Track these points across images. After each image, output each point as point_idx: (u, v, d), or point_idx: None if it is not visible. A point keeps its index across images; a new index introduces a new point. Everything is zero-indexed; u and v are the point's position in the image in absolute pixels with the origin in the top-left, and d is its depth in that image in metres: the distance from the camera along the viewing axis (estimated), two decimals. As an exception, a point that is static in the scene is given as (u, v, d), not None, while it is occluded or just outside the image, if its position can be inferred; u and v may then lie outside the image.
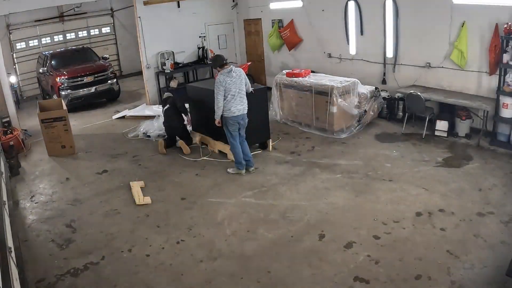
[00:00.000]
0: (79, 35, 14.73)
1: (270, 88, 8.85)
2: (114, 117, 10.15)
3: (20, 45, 13.48)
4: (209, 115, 7.09)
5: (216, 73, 6.40)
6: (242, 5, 11.76)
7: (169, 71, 10.58)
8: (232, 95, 5.85)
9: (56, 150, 7.74)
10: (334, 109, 7.36)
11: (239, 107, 5.95)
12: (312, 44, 9.98)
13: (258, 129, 6.85)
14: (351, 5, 8.65)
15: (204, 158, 7.01)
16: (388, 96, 8.19)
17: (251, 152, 6.76)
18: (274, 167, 6.47)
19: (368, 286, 3.75)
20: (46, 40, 13.99)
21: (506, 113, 6.38)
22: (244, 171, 6.27)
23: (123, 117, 10.05)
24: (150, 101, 10.94)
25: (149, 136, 8.26)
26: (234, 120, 5.97)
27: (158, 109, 9.71)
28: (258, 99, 6.68)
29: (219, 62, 5.93)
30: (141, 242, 4.71)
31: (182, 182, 6.21)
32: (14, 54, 13.33)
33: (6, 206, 4.87)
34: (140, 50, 10.68)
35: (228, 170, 6.40)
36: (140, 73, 12.04)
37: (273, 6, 10.61)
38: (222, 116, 6.00)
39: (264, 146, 7.10)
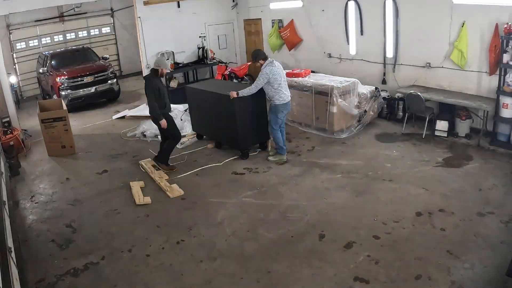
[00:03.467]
0: (79, 35, 14.74)
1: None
2: (114, 117, 10.15)
3: (20, 45, 13.49)
4: (210, 117, 7.09)
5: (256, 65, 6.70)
6: (242, 5, 11.76)
7: (169, 71, 10.57)
8: (279, 83, 6.26)
9: (56, 150, 7.74)
10: (334, 109, 7.36)
11: (287, 93, 6.43)
12: (312, 44, 9.98)
13: (258, 130, 6.85)
14: (351, 5, 8.65)
15: (212, 164, 7.01)
16: (388, 96, 8.19)
17: (252, 153, 6.97)
18: (274, 167, 6.47)
19: (368, 286, 3.75)
20: (46, 40, 14.00)
21: (506, 113, 6.38)
22: (285, 156, 6.58)
23: (123, 117, 10.05)
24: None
25: (145, 136, 8.26)
26: (285, 107, 6.40)
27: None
28: (257, 99, 6.70)
29: (262, 56, 6.37)
30: (141, 242, 4.71)
31: (182, 182, 6.20)
32: (14, 54, 13.34)
33: (6, 206, 4.87)
34: (140, 50, 10.68)
35: (269, 158, 6.68)
36: (140, 73, 12.06)
37: (273, 6, 10.61)
38: (272, 104, 6.42)
39: (264, 147, 7.11)
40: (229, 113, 6.60)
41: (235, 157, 6.86)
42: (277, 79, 6.20)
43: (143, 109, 10.31)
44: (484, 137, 6.74)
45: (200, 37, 11.20)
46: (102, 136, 8.86)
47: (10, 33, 13.13)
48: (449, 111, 7.15)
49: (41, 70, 11.63)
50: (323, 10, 9.45)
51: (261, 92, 6.64)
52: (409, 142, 7.05)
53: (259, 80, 6.21)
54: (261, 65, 6.30)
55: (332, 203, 5.24)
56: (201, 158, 7.04)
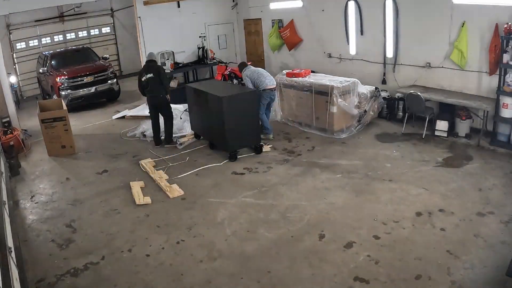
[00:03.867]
0: (79, 35, 14.75)
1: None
2: (114, 117, 10.15)
3: (20, 45, 13.49)
4: (209, 119, 7.04)
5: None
6: (242, 5, 11.77)
7: (169, 71, 10.59)
8: (260, 74, 7.41)
9: (56, 150, 7.74)
10: (334, 109, 7.36)
11: (269, 80, 7.41)
12: (312, 44, 9.98)
13: (248, 133, 6.81)
14: (351, 5, 8.66)
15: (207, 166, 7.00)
16: (388, 96, 8.19)
17: (246, 154, 7.01)
18: (274, 167, 6.47)
19: (368, 286, 3.75)
20: (46, 40, 14.01)
21: (506, 113, 6.38)
22: (272, 135, 7.57)
23: (123, 117, 10.05)
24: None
25: (145, 136, 8.26)
26: (267, 94, 7.41)
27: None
28: (249, 102, 6.68)
29: (242, 67, 7.77)
30: (141, 242, 4.71)
31: (182, 182, 6.20)
32: (14, 54, 13.34)
33: (6, 206, 4.87)
34: (140, 50, 10.68)
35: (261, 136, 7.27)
36: (140, 73, 12.04)
37: (273, 6, 10.62)
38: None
39: (258, 150, 7.03)
40: (219, 113, 6.53)
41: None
42: (253, 75, 7.39)
43: (143, 109, 10.31)
44: (484, 137, 6.74)
45: (200, 37, 11.21)
46: (102, 136, 8.86)
47: (10, 33, 13.13)
48: (449, 111, 7.15)
49: (41, 70, 11.63)
50: (323, 10, 9.45)
51: (253, 95, 6.86)
52: (409, 142, 7.05)
53: (247, 85, 7.42)
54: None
55: (332, 203, 5.23)
56: (201, 158, 7.04)
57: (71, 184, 6.52)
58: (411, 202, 5.10)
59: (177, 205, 5.51)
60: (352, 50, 9.02)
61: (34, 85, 13.41)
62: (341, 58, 9.35)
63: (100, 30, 15.23)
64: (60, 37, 14.35)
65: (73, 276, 4.19)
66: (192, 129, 7.85)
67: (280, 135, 7.79)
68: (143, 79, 7.46)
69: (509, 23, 6.04)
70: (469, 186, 5.39)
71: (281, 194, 5.58)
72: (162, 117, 7.71)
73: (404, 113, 7.73)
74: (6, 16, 12.01)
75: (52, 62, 11.35)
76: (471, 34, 6.79)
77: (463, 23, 6.81)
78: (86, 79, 10.92)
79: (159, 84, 7.40)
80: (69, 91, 10.66)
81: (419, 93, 7.07)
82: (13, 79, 11.15)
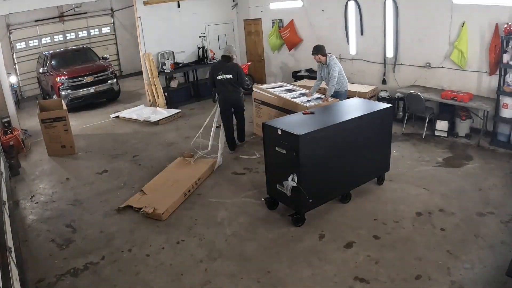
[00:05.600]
0: (79, 35, 14.74)
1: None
2: (112, 115, 10.14)
3: (20, 45, 13.48)
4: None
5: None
6: (242, 5, 11.76)
7: (169, 71, 10.59)
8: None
9: (56, 150, 7.74)
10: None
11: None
12: (312, 44, 9.93)
13: (335, 182, 4.99)
14: (351, 5, 8.65)
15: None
16: (388, 96, 8.19)
17: (247, 156, 6.90)
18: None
19: (368, 286, 3.75)
20: (46, 40, 14.00)
21: (506, 113, 6.38)
22: None
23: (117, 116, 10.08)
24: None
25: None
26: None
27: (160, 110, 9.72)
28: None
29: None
30: (141, 242, 4.71)
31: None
32: (14, 54, 13.33)
33: (6, 206, 4.87)
34: (140, 50, 10.68)
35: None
36: (140, 73, 12.04)
37: (273, 6, 10.61)
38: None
39: (345, 198, 5.23)
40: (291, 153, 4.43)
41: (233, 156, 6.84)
42: (342, 68, 6.93)
43: (141, 109, 10.28)
44: (484, 137, 6.74)
45: (200, 37, 11.21)
46: (102, 136, 8.87)
47: (10, 33, 13.12)
48: (449, 111, 7.15)
49: (41, 70, 11.63)
50: (323, 10, 9.45)
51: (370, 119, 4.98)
52: (409, 142, 7.05)
53: (335, 73, 6.68)
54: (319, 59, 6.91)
55: (331, 203, 5.23)
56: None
57: (71, 184, 6.52)
58: (411, 202, 5.10)
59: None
60: (352, 50, 9.02)
61: (34, 85, 13.40)
62: (341, 58, 9.33)
63: (100, 30, 15.22)
64: (60, 37, 14.34)
65: (73, 276, 4.19)
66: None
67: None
68: (218, 78, 6.89)
69: (509, 23, 6.05)
70: (469, 186, 5.39)
71: (281, 194, 5.57)
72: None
73: (404, 113, 7.73)
74: (6, 16, 12.00)
75: (52, 62, 11.35)
76: (471, 34, 6.79)
77: (463, 23, 6.81)
78: (86, 79, 10.91)
79: (237, 84, 6.97)
80: (69, 91, 10.66)
81: (419, 93, 7.07)
82: (13, 79, 11.15)
